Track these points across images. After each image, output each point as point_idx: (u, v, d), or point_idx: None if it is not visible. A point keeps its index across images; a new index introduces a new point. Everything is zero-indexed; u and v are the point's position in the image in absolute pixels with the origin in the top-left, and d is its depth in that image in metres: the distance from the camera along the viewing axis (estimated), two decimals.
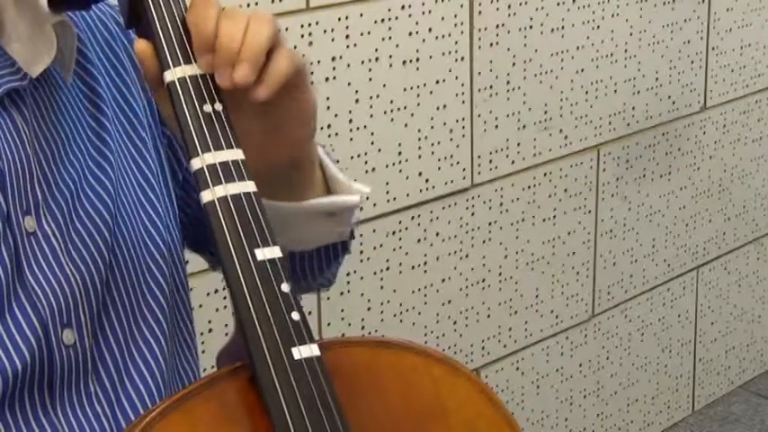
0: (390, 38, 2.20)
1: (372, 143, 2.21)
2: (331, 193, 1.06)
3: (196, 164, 0.88)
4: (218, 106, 0.91)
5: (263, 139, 0.98)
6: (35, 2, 0.99)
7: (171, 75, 0.90)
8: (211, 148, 0.88)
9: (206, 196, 0.88)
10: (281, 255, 0.87)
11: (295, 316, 0.86)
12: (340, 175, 1.07)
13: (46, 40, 0.98)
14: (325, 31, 2.09)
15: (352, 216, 1.10)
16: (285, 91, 0.93)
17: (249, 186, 0.88)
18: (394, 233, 2.30)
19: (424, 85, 2.28)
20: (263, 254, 0.86)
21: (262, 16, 0.91)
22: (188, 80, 0.90)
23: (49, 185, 0.98)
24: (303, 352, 0.85)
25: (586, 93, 2.62)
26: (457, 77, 2.33)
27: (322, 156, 1.06)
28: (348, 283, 2.24)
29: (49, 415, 0.96)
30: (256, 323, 0.85)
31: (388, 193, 2.26)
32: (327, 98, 2.12)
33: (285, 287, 0.86)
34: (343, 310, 2.24)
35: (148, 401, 1.01)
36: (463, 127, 2.37)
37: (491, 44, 2.38)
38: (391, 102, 2.23)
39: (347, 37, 2.13)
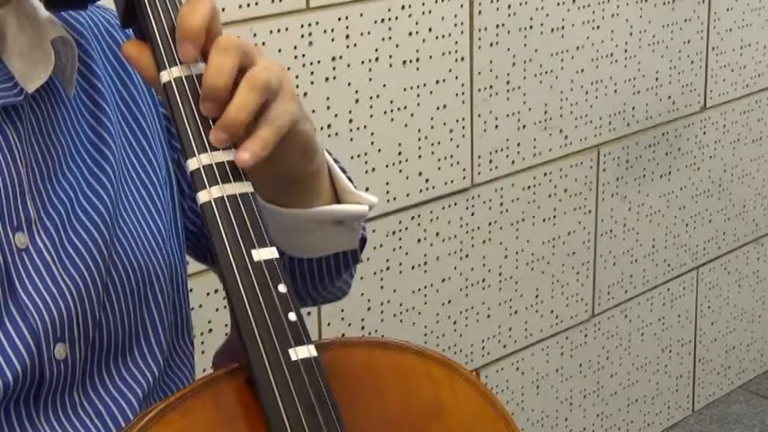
0: (390, 38, 2.20)
1: (372, 143, 2.21)
2: (339, 202, 1.05)
3: (192, 164, 0.88)
4: None
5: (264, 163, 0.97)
6: (36, 17, 0.98)
7: (167, 75, 0.89)
8: (208, 148, 0.88)
9: (202, 197, 0.87)
10: (277, 255, 0.87)
11: (292, 317, 0.85)
12: (349, 184, 1.05)
13: (45, 56, 0.97)
14: (325, 31, 2.09)
15: (361, 225, 1.09)
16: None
17: (246, 187, 0.88)
18: (394, 233, 2.30)
19: (424, 85, 2.28)
20: (260, 254, 0.86)
21: (256, 71, 0.89)
22: (184, 80, 0.89)
23: (43, 201, 0.97)
24: (300, 353, 0.85)
25: (586, 93, 2.61)
26: (457, 77, 2.33)
27: (331, 164, 1.05)
28: None
29: (34, 423, 0.96)
30: (253, 324, 0.85)
31: (388, 193, 2.26)
32: (327, 98, 2.11)
33: (282, 288, 0.86)
34: (343, 310, 2.24)
35: (139, 411, 1.01)
36: (463, 127, 2.37)
37: (491, 44, 2.38)
38: (391, 102, 2.23)
39: (347, 37, 2.13)
